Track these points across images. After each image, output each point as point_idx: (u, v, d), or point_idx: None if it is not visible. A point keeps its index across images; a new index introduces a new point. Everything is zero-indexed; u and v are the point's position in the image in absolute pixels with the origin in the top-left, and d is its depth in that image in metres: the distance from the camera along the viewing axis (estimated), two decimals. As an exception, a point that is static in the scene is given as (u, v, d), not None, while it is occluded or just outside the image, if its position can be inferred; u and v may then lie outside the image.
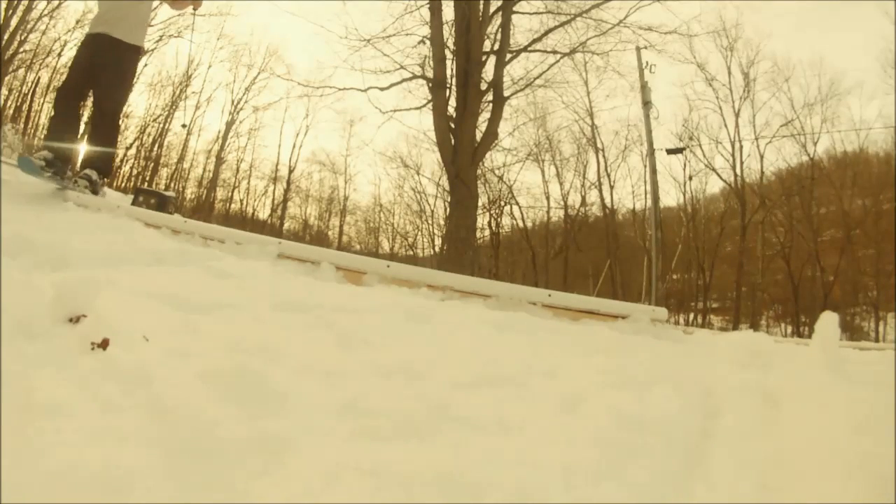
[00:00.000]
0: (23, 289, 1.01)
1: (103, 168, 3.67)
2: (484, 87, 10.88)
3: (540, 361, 1.43)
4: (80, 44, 3.72)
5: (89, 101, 3.80)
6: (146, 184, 21.26)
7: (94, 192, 3.51)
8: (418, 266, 2.84)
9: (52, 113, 3.68)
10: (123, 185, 21.97)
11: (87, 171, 3.55)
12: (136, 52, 3.70)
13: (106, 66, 3.52)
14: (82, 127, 3.88)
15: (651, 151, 13.26)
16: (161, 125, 24.02)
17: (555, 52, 12.15)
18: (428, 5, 10.87)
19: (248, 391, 0.93)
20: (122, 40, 3.56)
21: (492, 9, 11.16)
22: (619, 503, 0.78)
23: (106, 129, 3.68)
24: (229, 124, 25.35)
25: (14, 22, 18.49)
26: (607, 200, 23.06)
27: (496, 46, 11.19)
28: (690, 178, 22.35)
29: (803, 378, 1.21)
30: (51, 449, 0.68)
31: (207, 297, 1.52)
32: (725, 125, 21.29)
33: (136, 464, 0.69)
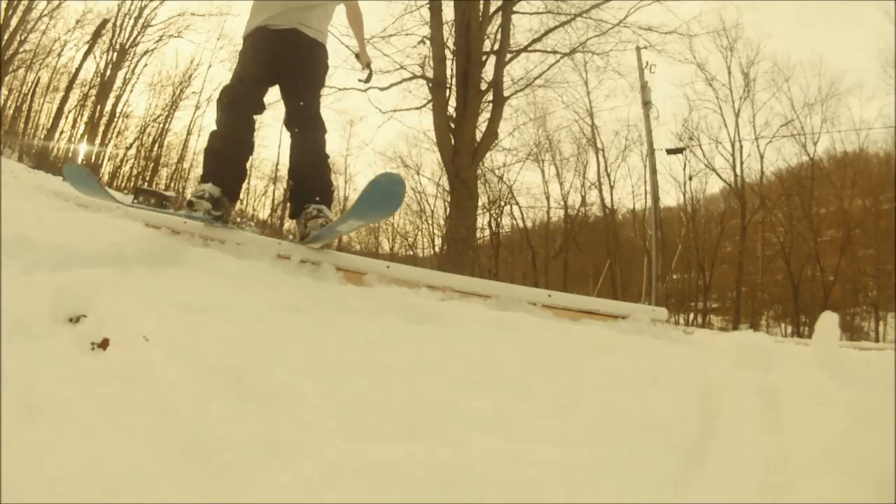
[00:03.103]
0: (23, 289, 1.01)
1: (328, 198, 2.69)
2: (484, 87, 10.90)
3: (540, 361, 1.43)
4: (250, 39, 2.71)
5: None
6: (146, 184, 21.29)
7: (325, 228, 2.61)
8: (418, 266, 2.84)
9: (217, 128, 2.63)
10: (123, 185, 22.00)
11: (316, 205, 2.61)
12: (327, 57, 2.85)
13: (305, 69, 2.69)
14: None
15: (651, 151, 13.27)
16: (161, 125, 24.06)
17: (555, 52, 12.19)
18: (428, 5, 10.89)
19: (248, 391, 0.93)
20: (317, 40, 2.75)
21: (492, 9, 11.19)
22: (619, 503, 0.78)
23: (321, 145, 2.71)
24: (229, 124, 25.33)
25: (14, 22, 18.51)
26: (607, 200, 23.08)
27: (496, 46, 11.22)
28: (690, 178, 22.38)
29: (803, 378, 1.21)
30: (51, 449, 0.68)
31: (207, 298, 1.52)
32: (725, 125, 21.32)
33: (136, 464, 0.69)
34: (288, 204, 2.89)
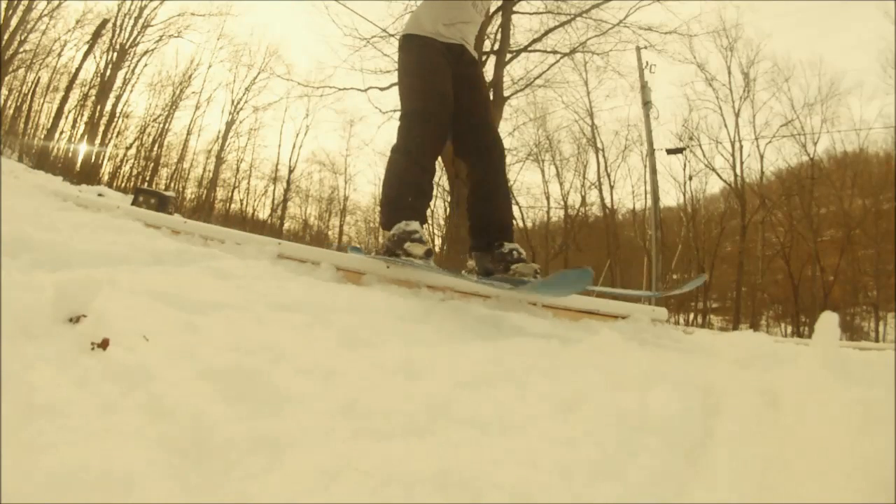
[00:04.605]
0: (23, 289, 1.01)
1: (512, 233, 2.52)
2: (484, 87, 10.90)
3: (540, 361, 1.43)
4: (421, 51, 2.42)
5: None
6: (146, 184, 21.32)
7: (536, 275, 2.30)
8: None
9: (409, 157, 2.32)
10: (123, 185, 22.02)
11: (511, 244, 2.40)
12: None
13: (478, 88, 2.49)
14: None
15: (651, 151, 13.28)
16: (161, 125, 24.11)
17: (555, 52, 12.24)
18: (428, 5, 10.87)
19: (248, 391, 0.93)
20: (476, 59, 2.55)
21: (492, 9, 11.19)
22: (619, 503, 0.78)
23: (505, 173, 2.53)
24: (229, 124, 25.47)
25: (14, 22, 18.53)
26: (607, 200, 23.11)
27: (496, 46, 11.23)
28: (690, 178, 22.42)
29: (803, 378, 1.21)
30: (51, 449, 0.68)
31: (207, 297, 1.52)
32: (725, 125, 21.38)
33: (136, 464, 0.69)
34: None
